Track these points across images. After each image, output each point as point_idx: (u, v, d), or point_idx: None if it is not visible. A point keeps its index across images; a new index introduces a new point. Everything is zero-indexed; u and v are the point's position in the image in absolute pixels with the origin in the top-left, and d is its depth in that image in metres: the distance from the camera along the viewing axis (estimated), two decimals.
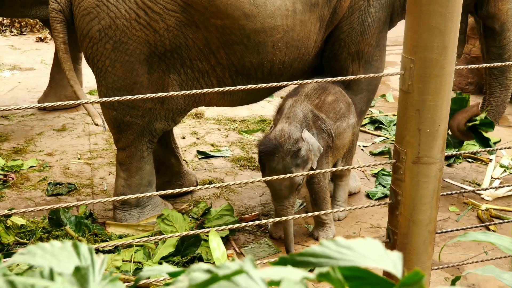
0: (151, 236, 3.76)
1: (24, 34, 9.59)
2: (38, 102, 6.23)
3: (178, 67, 3.60)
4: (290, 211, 3.59)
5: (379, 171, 4.73)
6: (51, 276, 0.83)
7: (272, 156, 3.43)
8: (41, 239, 3.63)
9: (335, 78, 2.37)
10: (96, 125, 3.75)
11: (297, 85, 3.86)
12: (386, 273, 0.82)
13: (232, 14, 3.46)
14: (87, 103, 2.09)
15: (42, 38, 9.16)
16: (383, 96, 6.74)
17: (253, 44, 3.58)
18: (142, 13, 3.43)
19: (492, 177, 4.81)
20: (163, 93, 2.07)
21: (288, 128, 3.48)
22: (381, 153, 5.20)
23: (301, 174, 2.59)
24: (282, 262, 0.82)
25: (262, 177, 3.52)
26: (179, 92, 2.13)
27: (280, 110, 3.73)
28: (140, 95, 2.16)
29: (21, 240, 3.63)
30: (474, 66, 2.56)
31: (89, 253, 0.89)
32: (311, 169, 3.48)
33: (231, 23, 3.48)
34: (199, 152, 5.17)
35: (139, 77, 3.57)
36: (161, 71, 3.58)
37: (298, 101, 3.64)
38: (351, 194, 4.41)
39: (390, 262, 0.80)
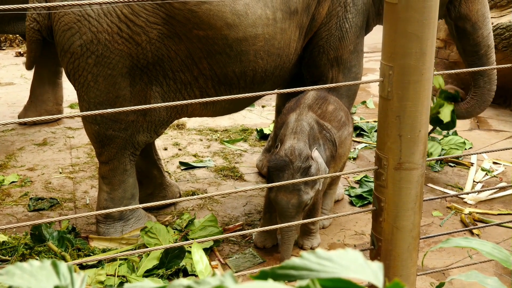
0: (135, 249, 3.74)
1: (3, 49, 9.52)
2: (19, 117, 6.18)
3: (161, 79, 3.59)
4: (294, 234, 3.58)
5: (362, 177, 4.74)
6: None
7: (282, 173, 3.41)
8: (23, 256, 3.59)
9: (316, 86, 2.37)
10: None
11: (296, 98, 3.84)
12: (370, 284, 0.82)
13: (215, 24, 3.46)
14: (68, 117, 2.07)
15: (22, 52, 9.10)
16: (363, 102, 6.76)
17: (236, 53, 3.58)
18: (124, 27, 3.41)
19: (474, 181, 4.84)
20: (145, 105, 2.06)
21: (298, 145, 3.45)
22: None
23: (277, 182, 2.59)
24: (263, 276, 0.81)
25: (270, 194, 3.52)
26: (161, 104, 2.12)
27: (283, 124, 3.67)
28: (122, 108, 2.15)
29: (3, 257, 3.60)
30: (453, 71, 2.58)
31: (68, 272, 0.88)
32: (309, 184, 3.46)
33: (213, 33, 3.48)
34: (181, 163, 5.15)
35: (121, 91, 3.55)
36: (144, 83, 3.57)
37: (302, 113, 3.61)
38: (334, 202, 4.42)
39: (371, 272, 0.79)
